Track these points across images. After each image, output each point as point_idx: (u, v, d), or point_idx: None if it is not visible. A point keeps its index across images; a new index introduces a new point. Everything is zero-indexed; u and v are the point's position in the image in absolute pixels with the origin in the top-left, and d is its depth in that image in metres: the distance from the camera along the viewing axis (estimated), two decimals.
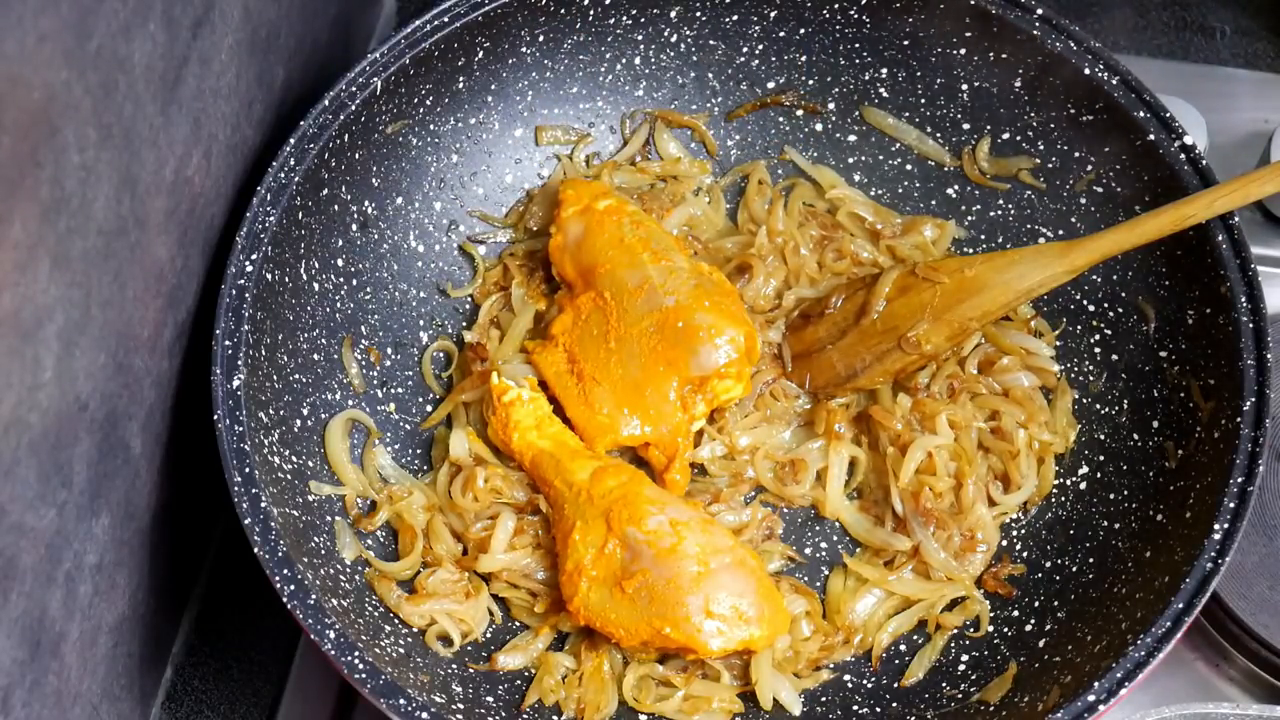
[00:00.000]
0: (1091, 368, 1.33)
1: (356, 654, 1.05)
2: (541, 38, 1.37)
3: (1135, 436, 1.26)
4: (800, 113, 1.45)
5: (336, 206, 1.29)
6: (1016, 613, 1.24)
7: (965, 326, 1.28)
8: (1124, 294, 1.30)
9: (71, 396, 0.97)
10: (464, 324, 1.40)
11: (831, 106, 1.44)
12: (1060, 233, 1.35)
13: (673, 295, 1.27)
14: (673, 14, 1.40)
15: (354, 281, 1.32)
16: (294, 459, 1.20)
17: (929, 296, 1.28)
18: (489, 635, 1.25)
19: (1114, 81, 1.27)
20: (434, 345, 1.37)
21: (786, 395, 1.34)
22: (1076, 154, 1.33)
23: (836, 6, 1.38)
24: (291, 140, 1.22)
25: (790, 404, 1.34)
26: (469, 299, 1.40)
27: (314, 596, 1.07)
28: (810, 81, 1.43)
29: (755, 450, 1.31)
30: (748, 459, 1.31)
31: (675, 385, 1.26)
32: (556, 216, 1.34)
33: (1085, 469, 1.29)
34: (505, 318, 1.37)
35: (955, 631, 1.25)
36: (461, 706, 1.14)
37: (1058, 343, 1.35)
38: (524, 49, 1.37)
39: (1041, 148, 1.35)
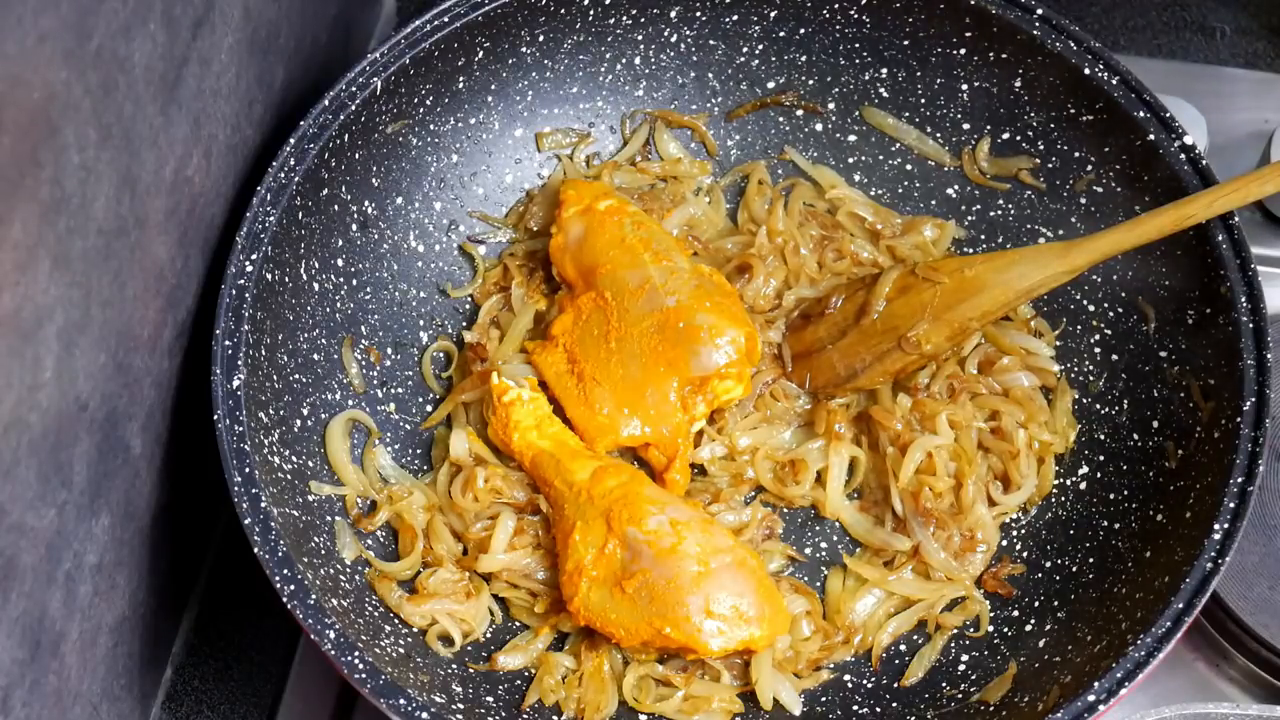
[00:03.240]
0: (1091, 368, 1.33)
1: (356, 654, 1.05)
2: (541, 38, 1.37)
3: (1135, 436, 1.26)
4: (800, 113, 1.45)
5: (336, 206, 1.29)
6: (1016, 613, 1.24)
7: (965, 326, 1.28)
8: (1124, 294, 1.30)
9: (71, 396, 0.97)
10: (464, 324, 1.40)
11: (831, 106, 1.44)
12: (1060, 233, 1.35)
13: (674, 296, 1.27)
14: (673, 14, 1.40)
15: (354, 281, 1.32)
16: (294, 459, 1.20)
17: (929, 296, 1.28)
18: (489, 635, 1.25)
19: (1114, 81, 1.27)
20: (434, 345, 1.37)
21: (787, 395, 1.34)
22: (1076, 154, 1.33)
23: (836, 6, 1.38)
24: (291, 140, 1.22)
25: (790, 404, 1.34)
26: (469, 299, 1.40)
27: (314, 596, 1.07)
28: (810, 81, 1.43)
29: (755, 451, 1.31)
30: (748, 459, 1.31)
31: (675, 386, 1.26)
32: (558, 216, 1.34)
33: (1085, 469, 1.29)
34: (505, 318, 1.37)
35: (955, 631, 1.25)
36: (461, 706, 1.14)
37: (1058, 343, 1.35)
38: (524, 49, 1.37)
39: (1041, 148, 1.35)
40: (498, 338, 1.35)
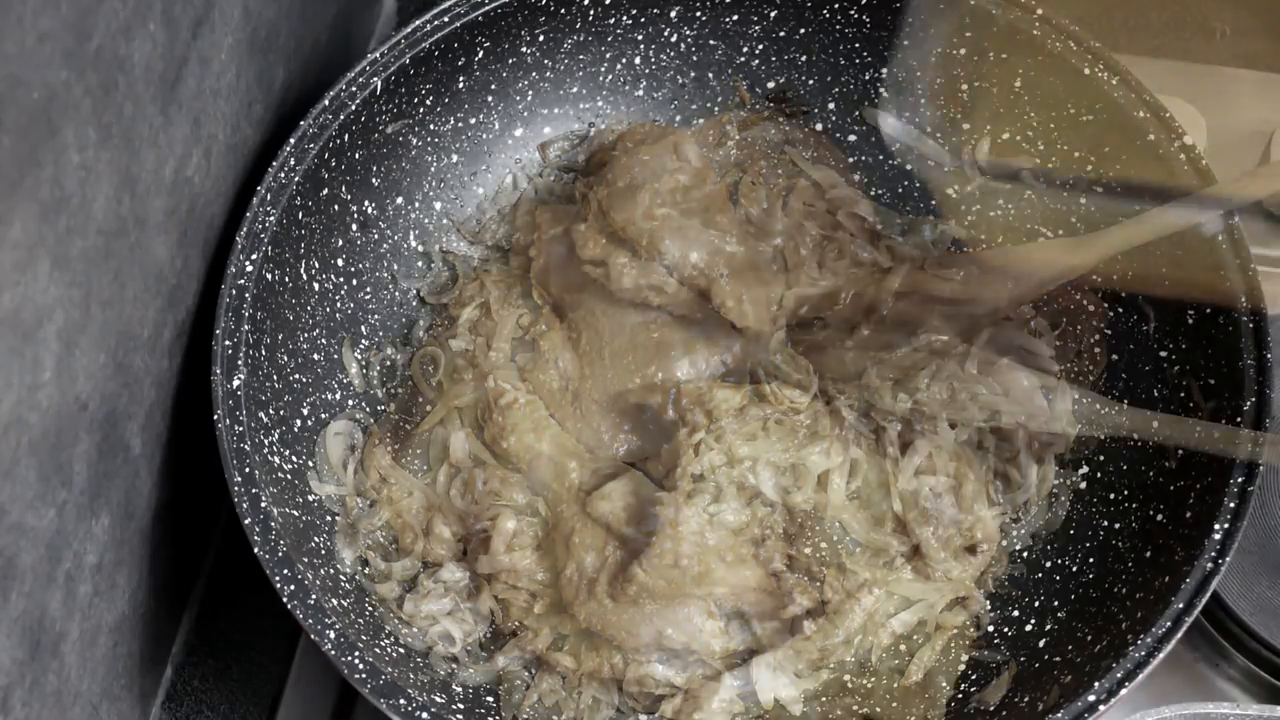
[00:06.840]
0: (1091, 368, 1.32)
1: (356, 654, 1.05)
2: (541, 38, 1.37)
3: (1135, 436, 1.26)
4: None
5: (336, 206, 1.29)
6: (1016, 613, 1.24)
7: (976, 322, 1.27)
8: (1124, 294, 1.30)
9: (71, 396, 0.97)
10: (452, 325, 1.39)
11: (831, 106, 1.44)
12: (1060, 232, 1.35)
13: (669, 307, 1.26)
14: (673, 14, 1.40)
15: (354, 281, 1.32)
16: (294, 459, 1.20)
17: (940, 292, 1.28)
18: (489, 635, 1.25)
19: (1114, 81, 1.27)
20: (420, 351, 1.36)
21: (782, 422, 1.33)
22: (1076, 154, 1.33)
23: (836, 6, 1.38)
24: (291, 140, 1.22)
25: (790, 425, 1.33)
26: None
27: (314, 596, 1.07)
28: (810, 81, 1.43)
29: (756, 460, 1.31)
30: (748, 467, 1.31)
31: (674, 397, 1.25)
32: (537, 240, 1.34)
33: (1085, 469, 1.29)
34: (485, 325, 1.36)
35: (955, 631, 1.25)
36: (461, 706, 1.14)
37: (1057, 343, 1.35)
38: (524, 49, 1.37)
39: (1041, 148, 1.35)
40: (484, 345, 1.34)
